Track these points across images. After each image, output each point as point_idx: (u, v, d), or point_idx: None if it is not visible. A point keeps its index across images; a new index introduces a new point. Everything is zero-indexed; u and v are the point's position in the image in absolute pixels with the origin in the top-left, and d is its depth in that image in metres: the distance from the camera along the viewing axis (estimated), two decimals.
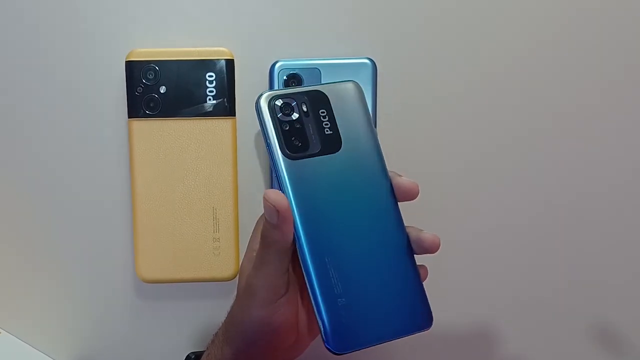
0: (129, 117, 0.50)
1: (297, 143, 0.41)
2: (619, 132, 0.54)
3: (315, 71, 0.50)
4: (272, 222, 0.39)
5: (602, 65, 0.54)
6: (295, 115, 0.41)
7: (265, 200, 0.39)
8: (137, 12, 0.52)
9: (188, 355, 0.51)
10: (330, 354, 0.39)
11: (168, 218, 0.51)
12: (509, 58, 0.53)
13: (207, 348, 0.46)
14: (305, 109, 0.42)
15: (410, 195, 0.41)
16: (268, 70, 0.51)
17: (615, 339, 0.56)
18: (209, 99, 0.50)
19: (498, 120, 0.54)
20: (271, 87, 0.51)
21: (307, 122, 0.41)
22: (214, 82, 0.50)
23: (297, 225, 0.39)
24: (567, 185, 0.55)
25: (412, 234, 0.41)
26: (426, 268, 0.42)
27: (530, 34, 0.53)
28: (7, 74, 0.52)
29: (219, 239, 0.51)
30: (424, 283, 0.41)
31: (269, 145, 0.41)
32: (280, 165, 0.40)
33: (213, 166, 0.51)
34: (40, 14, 0.51)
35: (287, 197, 0.40)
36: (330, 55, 0.52)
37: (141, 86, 0.50)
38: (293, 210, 0.39)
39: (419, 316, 0.41)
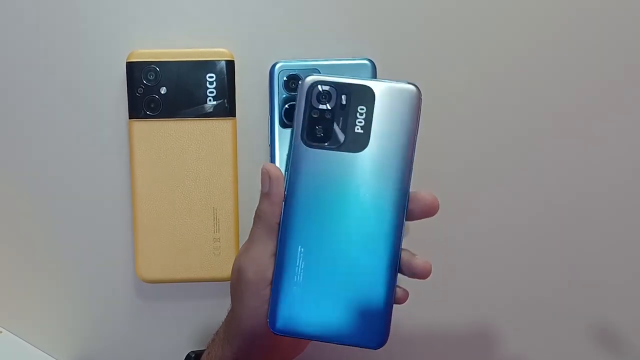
0: (129, 118, 0.50)
1: (319, 133, 0.40)
2: (619, 132, 0.54)
3: (315, 72, 0.50)
4: (264, 191, 0.40)
5: (602, 65, 0.54)
6: (329, 105, 0.40)
7: (262, 168, 0.40)
8: (137, 12, 0.52)
9: (188, 355, 0.51)
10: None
11: (168, 218, 0.51)
12: (509, 58, 0.53)
13: (208, 347, 0.46)
14: (343, 102, 0.40)
15: (431, 211, 0.40)
16: (268, 71, 0.51)
17: (615, 339, 0.56)
18: (209, 100, 0.50)
19: (498, 120, 0.54)
20: (271, 88, 0.51)
21: (339, 114, 0.40)
22: (214, 82, 0.50)
23: (286, 207, 0.40)
24: (567, 185, 0.55)
25: (404, 257, 0.40)
26: (407, 293, 0.41)
27: (530, 34, 0.53)
28: (7, 74, 0.52)
29: (219, 239, 0.51)
30: (402, 305, 0.41)
31: (292, 126, 0.41)
32: (295, 148, 0.40)
33: (213, 166, 0.51)
34: (40, 14, 0.51)
35: (289, 179, 0.40)
36: (330, 55, 0.52)
37: (142, 87, 0.50)
38: (288, 193, 0.40)
39: (372, 332, 0.40)
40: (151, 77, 0.50)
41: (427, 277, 0.40)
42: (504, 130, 0.54)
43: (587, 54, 0.54)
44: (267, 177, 0.40)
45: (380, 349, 0.40)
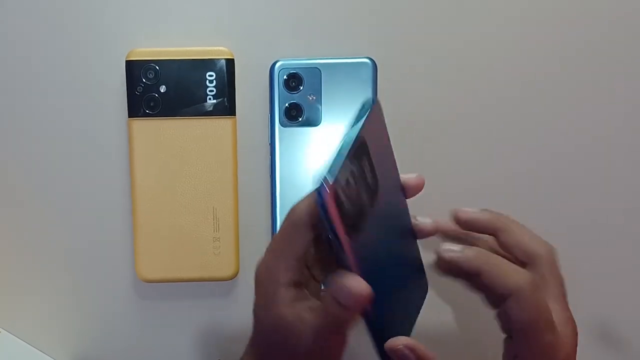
0: (129, 117, 0.50)
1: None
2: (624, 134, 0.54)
3: (315, 71, 0.50)
4: (345, 305, 0.35)
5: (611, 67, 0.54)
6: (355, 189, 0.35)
7: (345, 286, 0.34)
8: (137, 11, 0.52)
9: None
10: None
11: (168, 218, 0.51)
12: (509, 57, 0.53)
13: None
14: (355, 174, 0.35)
15: (418, 189, 0.41)
16: (268, 70, 0.51)
17: (615, 338, 0.56)
18: (209, 99, 0.50)
19: (498, 120, 0.54)
20: (271, 87, 0.51)
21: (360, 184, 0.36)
22: (214, 81, 0.50)
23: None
24: (568, 185, 0.55)
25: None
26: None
27: (531, 33, 0.53)
28: (7, 74, 0.52)
29: (219, 238, 0.51)
30: None
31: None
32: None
33: (213, 166, 0.51)
34: (40, 13, 0.51)
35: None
36: (330, 55, 0.52)
37: (141, 86, 0.50)
38: None
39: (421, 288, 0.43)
40: (151, 76, 0.50)
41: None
42: (505, 129, 0.54)
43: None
44: (354, 298, 0.34)
45: None
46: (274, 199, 0.51)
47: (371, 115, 0.37)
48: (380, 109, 0.38)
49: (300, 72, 0.51)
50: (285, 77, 0.51)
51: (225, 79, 0.50)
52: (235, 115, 0.51)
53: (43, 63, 0.52)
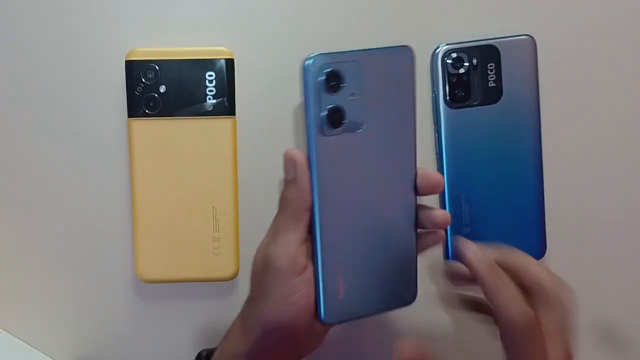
0: (128, 117, 0.50)
1: (460, 93, 0.49)
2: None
3: (355, 65, 0.41)
4: (289, 177, 0.40)
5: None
6: (463, 69, 0.49)
7: (286, 153, 0.40)
8: (137, 10, 0.52)
9: (199, 353, 0.49)
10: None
11: (168, 218, 0.51)
12: None
13: (220, 344, 0.44)
14: (475, 62, 0.49)
15: (435, 188, 0.43)
16: (301, 69, 0.43)
17: (616, 338, 0.56)
18: (209, 99, 0.50)
19: None
20: (306, 91, 0.44)
21: (473, 74, 0.49)
22: (214, 81, 0.50)
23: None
24: (569, 184, 0.55)
25: (423, 213, 0.42)
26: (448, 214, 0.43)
27: (534, 33, 0.53)
28: (7, 74, 0.52)
29: (219, 238, 0.51)
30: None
31: (434, 93, 0.49)
32: (441, 113, 0.49)
33: (213, 166, 0.51)
34: (40, 14, 0.51)
35: (442, 145, 0.49)
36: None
37: (141, 86, 0.50)
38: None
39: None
40: (150, 76, 0.50)
41: (447, 226, 0.43)
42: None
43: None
44: (292, 163, 0.40)
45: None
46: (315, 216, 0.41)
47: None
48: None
49: (339, 68, 0.41)
50: (323, 76, 0.41)
51: (225, 79, 0.50)
52: (235, 115, 0.51)
53: (43, 63, 0.52)
